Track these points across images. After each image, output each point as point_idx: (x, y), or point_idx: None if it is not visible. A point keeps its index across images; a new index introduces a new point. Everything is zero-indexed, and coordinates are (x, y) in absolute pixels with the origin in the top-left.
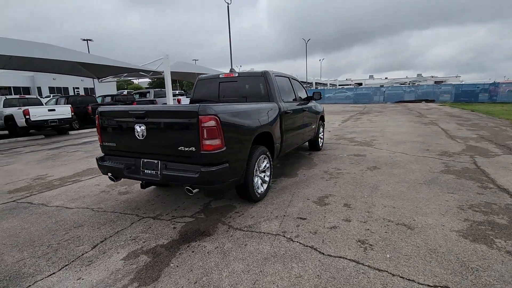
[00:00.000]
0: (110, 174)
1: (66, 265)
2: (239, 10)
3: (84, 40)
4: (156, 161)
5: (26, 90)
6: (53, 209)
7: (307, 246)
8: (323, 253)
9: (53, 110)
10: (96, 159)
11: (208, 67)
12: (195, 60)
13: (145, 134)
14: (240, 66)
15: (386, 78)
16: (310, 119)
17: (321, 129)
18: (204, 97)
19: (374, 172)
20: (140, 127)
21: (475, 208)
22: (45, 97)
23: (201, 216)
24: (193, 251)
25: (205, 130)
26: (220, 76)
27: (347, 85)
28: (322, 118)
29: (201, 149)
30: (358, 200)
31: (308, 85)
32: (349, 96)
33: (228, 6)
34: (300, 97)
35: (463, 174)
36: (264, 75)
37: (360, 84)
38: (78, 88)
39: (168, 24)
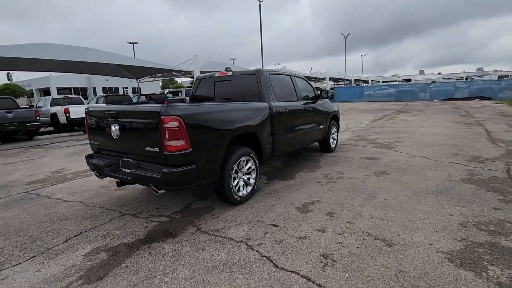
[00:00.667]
0: (95, 171)
1: (33, 257)
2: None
3: (130, 43)
4: (132, 160)
5: (84, 90)
6: (52, 202)
7: (264, 256)
8: (276, 266)
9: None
10: (85, 156)
11: (241, 66)
12: (233, 59)
13: (118, 133)
14: (278, 64)
15: (439, 73)
16: (318, 119)
17: (334, 130)
18: (201, 96)
19: (379, 178)
20: (114, 126)
21: (482, 226)
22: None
23: (177, 216)
24: (150, 252)
25: (166, 131)
26: (216, 75)
27: (393, 81)
28: (335, 118)
29: (164, 150)
30: (345, 209)
31: (347, 83)
32: (391, 93)
33: (260, 4)
34: (306, 96)
35: (486, 184)
36: (256, 73)
37: (409, 80)
38: (127, 88)
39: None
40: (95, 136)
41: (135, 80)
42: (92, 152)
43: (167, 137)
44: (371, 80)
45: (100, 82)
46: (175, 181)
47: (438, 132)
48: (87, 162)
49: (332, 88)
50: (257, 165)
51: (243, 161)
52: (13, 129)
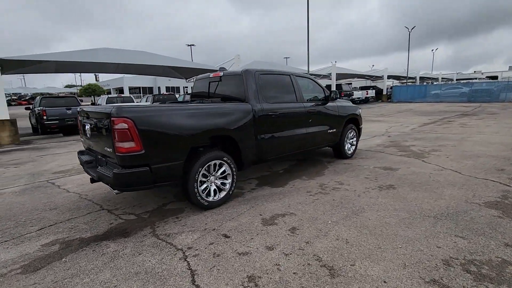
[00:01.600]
0: (83, 167)
1: (5, 241)
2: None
3: (188, 45)
4: (104, 159)
5: (150, 90)
6: (57, 192)
7: (190, 269)
8: (193, 282)
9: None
10: (77, 152)
11: (292, 66)
12: (286, 58)
13: (89, 133)
14: (335, 62)
15: None
16: (327, 122)
17: (352, 134)
18: (199, 96)
19: (380, 193)
20: (87, 126)
21: (472, 267)
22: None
23: (145, 216)
24: (94, 250)
25: (116, 132)
26: (210, 75)
27: (471, 79)
28: (353, 122)
29: (115, 151)
30: (314, 226)
31: (412, 81)
32: (464, 92)
33: (307, 2)
34: (314, 97)
35: None
36: (243, 74)
37: (495, 77)
38: (187, 87)
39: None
40: (82, 134)
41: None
42: (83, 149)
43: (116, 138)
44: (442, 78)
45: (163, 82)
46: (125, 182)
47: (496, 141)
48: (78, 157)
49: (391, 88)
50: (233, 169)
51: (214, 165)
52: (71, 124)
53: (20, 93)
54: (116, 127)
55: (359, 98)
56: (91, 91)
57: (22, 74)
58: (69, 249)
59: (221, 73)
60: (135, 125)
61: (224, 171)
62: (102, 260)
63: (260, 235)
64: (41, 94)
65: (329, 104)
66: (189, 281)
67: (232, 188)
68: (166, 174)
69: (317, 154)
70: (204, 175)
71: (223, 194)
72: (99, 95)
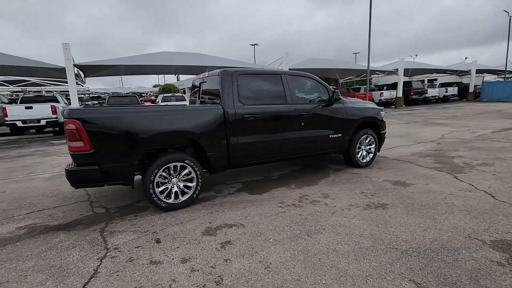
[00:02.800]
0: None
1: None
2: None
3: (251, 45)
4: None
5: None
6: None
7: (95, 270)
8: (85, 284)
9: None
10: None
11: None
12: (356, 53)
13: None
14: (416, 55)
15: None
16: (329, 126)
17: (369, 140)
18: (191, 99)
19: (362, 213)
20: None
21: None
22: None
23: (113, 210)
24: (45, 238)
25: (67, 132)
26: (200, 76)
27: None
28: (371, 126)
29: (68, 150)
30: (250, 243)
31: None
32: None
33: None
34: (312, 98)
35: None
36: (220, 74)
37: None
38: None
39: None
40: None
41: None
42: None
43: (67, 138)
44: None
45: None
46: (75, 179)
47: None
48: None
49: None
50: (197, 173)
51: (174, 167)
52: None
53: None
54: (67, 127)
55: (434, 96)
56: (167, 90)
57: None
58: (30, 235)
59: (206, 74)
60: (83, 126)
61: (188, 174)
62: (40, 249)
63: (189, 244)
64: (127, 93)
65: (334, 105)
66: (82, 283)
67: (197, 192)
68: (117, 174)
69: (327, 160)
70: (163, 177)
71: (186, 197)
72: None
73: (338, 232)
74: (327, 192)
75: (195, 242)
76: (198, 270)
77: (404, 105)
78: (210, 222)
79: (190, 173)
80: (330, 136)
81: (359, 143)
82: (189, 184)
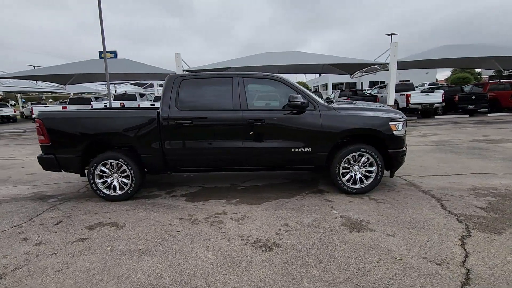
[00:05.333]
0: None
1: (4, 185)
2: None
3: (388, 35)
4: None
5: (353, 85)
6: None
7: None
8: None
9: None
10: None
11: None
12: None
13: None
14: None
15: None
16: (290, 138)
17: (365, 160)
18: None
19: (235, 251)
20: None
21: None
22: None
23: (62, 197)
24: (19, 205)
25: (36, 129)
26: None
27: None
28: (369, 140)
29: None
30: (101, 244)
31: None
32: None
33: None
34: (275, 104)
35: None
36: (166, 79)
37: None
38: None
39: None
40: None
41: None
42: None
43: (36, 132)
44: None
45: (367, 77)
46: (41, 164)
47: None
48: None
49: None
50: (131, 172)
51: (112, 163)
52: None
53: None
54: (36, 125)
55: None
56: None
57: None
58: (14, 199)
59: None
60: (44, 125)
61: (124, 171)
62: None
63: (59, 232)
64: None
65: (306, 113)
66: None
67: (131, 189)
68: (67, 164)
69: (322, 176)
70: (104, 171)
71: (122, 191)
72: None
73: (172, 260)
74: (253, 215)
75: (62, 231)
76: (57, 253)
77: None
78: (104, 218)
79: (125, 171)
80: (293, 149)
81: (347, 163)
82: (125, 180)
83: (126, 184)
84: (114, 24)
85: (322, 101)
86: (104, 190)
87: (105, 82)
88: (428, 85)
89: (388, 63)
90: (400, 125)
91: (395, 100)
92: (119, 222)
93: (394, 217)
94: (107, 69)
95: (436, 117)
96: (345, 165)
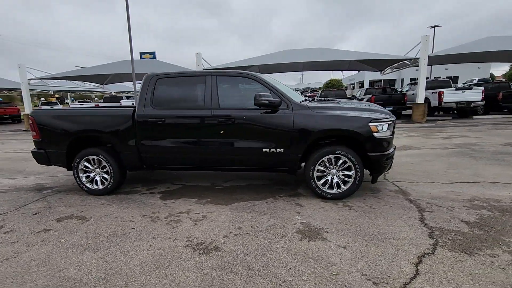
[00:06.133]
0: None
1: (4, 175)
2: None
3: (431, 27)
4: None
5: (393, 82)
6: None
7: None
8: None
9: (466, 91)
10: None
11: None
12: None
13: None
14: None
15: None
16: (261, 138)
17: (342, 163)
18: None
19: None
20: None
21: None
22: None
23: (56, 188)
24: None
25: (30, 125)
26: None
27: None
28: (349, 142)
29: None
30: (57, 237)
31: None
32: None
33: None
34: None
35: None
36: (143, 78)
37: None
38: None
39: None
40: None
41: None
42: None
43: (30, 129)
44: None
45: (408, 73)
46: (34, 158)
47: None
48: None
49: None
50: (110, 167)
51: (93, 159)
52: None
53: None
54: (30, 122)
55: None
56: (331, 85)
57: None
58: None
59: None
60: (35, 121)
61: (104, 167)
62: None
63: (29, 222)
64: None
65: (280, 113)
66: None
67: (110, 184)
68: (55, 159)
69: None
70: (86, 167)
71: (103, 186)
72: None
73: (110, 256)
74: (213, 216)
75: (35, 221)
76: (17, 242)
77: None
78: (77, 211)
79: (105, 166)
80: (264, 150)
81: (324, 166)
82: (105, 176)
83: (106, 180)
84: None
85: (297, 100)
86: (87, 184)
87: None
88: (478, 81)
89: (418, 58)
90: (384, 126)
91: (426, 98)
92: (87, 215)
93: (358, 227)
94: (134, 69)
95: (474, 117)
96: (321, 168)
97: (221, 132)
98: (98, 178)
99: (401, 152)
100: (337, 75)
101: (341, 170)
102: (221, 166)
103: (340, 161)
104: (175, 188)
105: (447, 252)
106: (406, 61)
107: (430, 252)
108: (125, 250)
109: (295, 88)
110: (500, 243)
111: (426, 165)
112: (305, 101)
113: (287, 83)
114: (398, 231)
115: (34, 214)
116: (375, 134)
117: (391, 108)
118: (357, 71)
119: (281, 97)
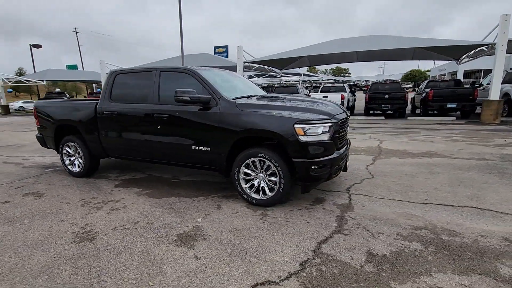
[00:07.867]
0: None
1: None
2: None
3: None
4: None
5: (487, 72)
6: None
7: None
8: None
9: None
10: None
11: None
12: None
13: None
14: None
15: None
16: (189, 135)
17: (268, 166)
18: None
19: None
20: None
21: None
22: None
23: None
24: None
25: (34, 114)
26: None
27: None
28: (275, 146)
29: None
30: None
31: None
32: None
33: None
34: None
35: None
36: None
37: None
38: None
39: None
40: None
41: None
42: None
43: (34, 117)
44: None
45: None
46: (38, 141)
47: None
48: None
49: None
50: (81, 154)
51: (71, 146)
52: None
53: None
54: (34, 111)
55: None
56: (412, 76)
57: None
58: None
59: None
60: (37, 111)
61: (79, 153)
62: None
63: None
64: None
65: (211, 110)
66: None
67: (83, 168)
68: (48, 142)
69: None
70: (68, 151)
71: (78, 169)
72: (418, 81)
73: (5, 231)
74: (131, 208)
75: (9, 193)
76: None
77: None
78: (44, 189)
79: (80, 153)
80: (193, 147)
81: (251, 169)
82: (80, 160)
83: (81, 164)
84: (239, 20)
85: (228, 97)
86: (69, 167)
87: None
88: None
89: (495, 43)
90: (317, 129)
91: (506, 93)
92: (47, 194)
93: (242, 240)
94: (184, 64)
95: None
96: (247, 170)
97: (158, 127)
98: (76, 162)
99: (411, 160)
100: (429, 65)
101: (268, 175)
102: (162, 161)
103: (265, 165)
104: (139, 177)
105: (296, 286)
106: (484, 48)
107: (275, 282)
108: (31, 227)
109: (375, 80)
110: None
111: (419, 179)
112: (248, 98)
113: (368, 74)
114: (275, 251)
115: (16, 188)
116: (300, 137)
117: (454, 105)
118: (448, 61)
119: (211, 94)
